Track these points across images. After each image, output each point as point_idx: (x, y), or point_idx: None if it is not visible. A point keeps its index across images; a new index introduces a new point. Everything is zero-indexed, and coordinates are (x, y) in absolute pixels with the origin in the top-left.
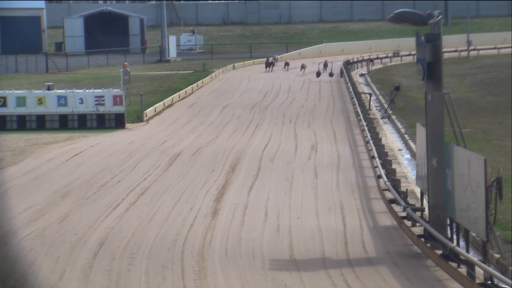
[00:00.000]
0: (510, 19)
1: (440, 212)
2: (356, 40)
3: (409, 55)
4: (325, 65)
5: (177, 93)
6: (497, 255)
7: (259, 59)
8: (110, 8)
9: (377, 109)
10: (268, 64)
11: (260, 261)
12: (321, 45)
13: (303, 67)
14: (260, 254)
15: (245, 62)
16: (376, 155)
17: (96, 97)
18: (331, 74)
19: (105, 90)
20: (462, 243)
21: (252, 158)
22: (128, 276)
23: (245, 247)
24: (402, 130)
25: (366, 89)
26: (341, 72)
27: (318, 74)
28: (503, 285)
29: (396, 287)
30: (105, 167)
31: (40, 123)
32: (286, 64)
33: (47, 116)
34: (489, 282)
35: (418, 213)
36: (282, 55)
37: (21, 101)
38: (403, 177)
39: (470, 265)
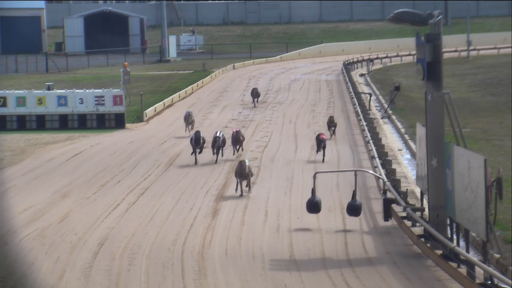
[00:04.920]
0: (510, 19)
1: (440, 212)
2: (356, 40)
3: (409, 55)
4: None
5: (177, 93)
6: (497, 255)
7: (259, 59)
8: (110, 8)
9: (377, 109)
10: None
11: (260, 261)
12: (321, 45)
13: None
14: (260, 254)
15: (245, 62)
16: (376, 155)
17: (96, 97)
18: None
19: (105, 90)
20: (462, 243)
21: (252, 158)
22: (128, 276)
23: (245, 247)
24: (402, 130)
25: (366, 89)
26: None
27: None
28: (503, 285)
29: (396, 287)
30: (105, 167)
31: (40, 123)
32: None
33: (47, 116)
34: (489, 282)
35: (418, 213)
36: (282, 55)
37: (21, 101)
38: (403, 177)
39: (470, 265)
